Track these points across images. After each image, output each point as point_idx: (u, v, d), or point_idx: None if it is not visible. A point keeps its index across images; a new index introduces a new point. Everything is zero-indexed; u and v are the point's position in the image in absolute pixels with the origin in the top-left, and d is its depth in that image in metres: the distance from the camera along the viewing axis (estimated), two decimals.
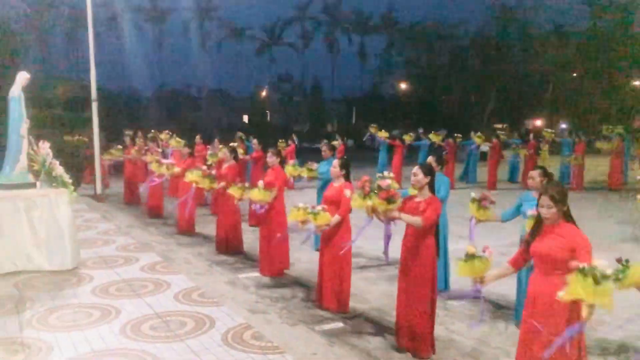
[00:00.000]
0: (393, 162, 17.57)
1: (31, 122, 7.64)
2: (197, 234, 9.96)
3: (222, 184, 8.32)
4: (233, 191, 7.58)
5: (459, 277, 3.90)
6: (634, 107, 32.54)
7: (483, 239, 5.43)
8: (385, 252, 5.25)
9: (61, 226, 6.96)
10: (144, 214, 11.97)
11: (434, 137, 17.62)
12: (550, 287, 3.37)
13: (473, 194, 5.50)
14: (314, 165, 8.41)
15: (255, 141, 12.87)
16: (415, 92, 47.76)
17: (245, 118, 52.46)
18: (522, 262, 3.75)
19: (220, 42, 55.81)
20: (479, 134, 18.20)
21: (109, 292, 6.04)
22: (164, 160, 10.03)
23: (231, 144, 10.05)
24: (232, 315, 5.34)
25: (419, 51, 47.75)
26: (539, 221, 3.56)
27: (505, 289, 5.69)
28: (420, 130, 19.13)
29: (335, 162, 6.05)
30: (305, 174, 8.50)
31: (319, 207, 5.62)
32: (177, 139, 11.99)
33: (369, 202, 4.72)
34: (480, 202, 5.42)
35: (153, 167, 10.00)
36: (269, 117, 54.50)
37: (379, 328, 5.41)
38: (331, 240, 5.72)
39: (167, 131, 14.33)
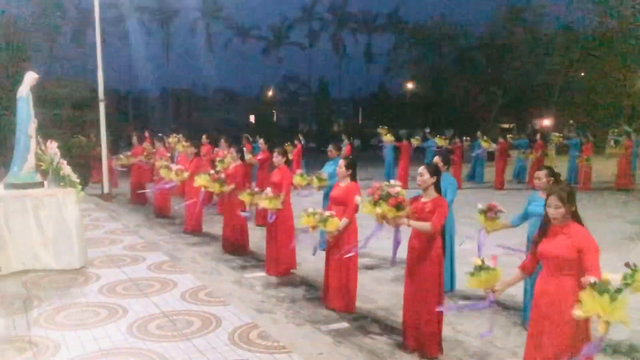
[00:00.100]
0: (400, 162, 17.56)
1: (39, 122, 7.68)
2: (204, 234, 9.98)
3: (232, 186, 8.33)
4: (243, 198, 7.59)
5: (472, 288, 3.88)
6: None
7: (491, 239, 5.44)
8: (393, 259, 5.24)
9: (69, 225, 6.99)
10: (151, 214, 12.00)
11: (440, 141, 17.56)
12: (557, 287, 3.37)
13: (480, 205, 5.47)
14: (324, 175, 8.04)
15: (261, 141, 12.84)
16: (422, 91, 47.61)
17: (252, 118, 52.50)
18: (532, 266, 3.73)
19: (226, 42, 55.90)
20: (485, 138, 18.17)
21: (116, 291, 6.06)
22: (173, 166, 10.00)
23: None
24: (239, 314, 5.34)
25: (426, 51, 47.61)
26: (546, 221, 3.54)
27: (513, 289, 5.63)
28: (427, 130, 19.12)
29: (341, 162, 6.03)
30: (315, 184, 7.99)
31: (327, 213, 5.61)
32: (184, 142, 11.98)
33: (379, 210, 4.71)
34: (487, 214, 5.39)
35: (162, 173, 9.99)
36: (275, 117, 54.53)
37: (385, 328, 5.40)
38: (338, 241, 5.72)
39: (174, 134, 14.36)
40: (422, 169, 4.76)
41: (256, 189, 7.69)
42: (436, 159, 6.38)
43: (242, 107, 52.75)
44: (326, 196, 7.54)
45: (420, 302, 4.68)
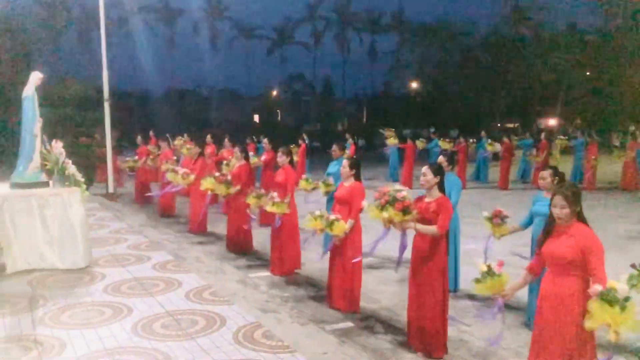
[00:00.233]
0: (404, 162, 17.54)
1: (44, 122, 7.70)
2: (209, 233, 10.01)
3: (238, 187, 8.34)
4: (250, 201, 7.60)
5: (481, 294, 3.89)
6: None
7: (501, 244, 5.43)
8: (398, 263, 5.23)
9: (74, 225, 7.01)
10: (156, 213, 12.03)
11: (444, 145, 17.49)
12: (561, 287, 3.36)
13: (485, 213, 5.46)
14: (330, 180, 7.91)
15: (265, 140, 12.85)
16: (426, 91, 47.58)
17: (256, 117, 52.53)
18: (539, 267, 3.72)
19: (230, 41, 55.93)
20: (489, 141, 18.13)
21: (121, 291, 6.07)
22: (180, 169, 10.02)
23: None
24: (243, 314, 5.35)
25: (430, 50, 47.53)
26: (551, 221, 3.53)
27: None
28: (432, 130, 19.09)
29: (345, 162, 6.04)
30: (322, 189, 7.90)
31: (333, 217, 5.62)
32: (188, 146, 12.00)
33: (385, 214, 4.71)
34: (492, 220, 5.38)
35: (169, 176, 10.01)
36: (279, 117, 54.53)
37: (389, 328, 5.40)
38: (342, 240, 5.72)
39: (180, 137, 14.39)
40: (425, 168, 4.75)
41: (262, 191, 7.69)
42: (440, 158, 6.37)
43: (246, 107, 52.76)
44: (330, 199, 7.54)
45: (424, 302, 4.67)
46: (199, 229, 9.99)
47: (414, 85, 48.33)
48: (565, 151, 18.51)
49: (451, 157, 6.66)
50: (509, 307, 5.94)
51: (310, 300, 6.21)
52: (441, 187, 4.75)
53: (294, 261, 7.38)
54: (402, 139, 18.35)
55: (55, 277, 6.62)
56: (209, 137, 14.41)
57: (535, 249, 3.82)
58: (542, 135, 19.42)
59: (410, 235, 4.86)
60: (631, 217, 11.49)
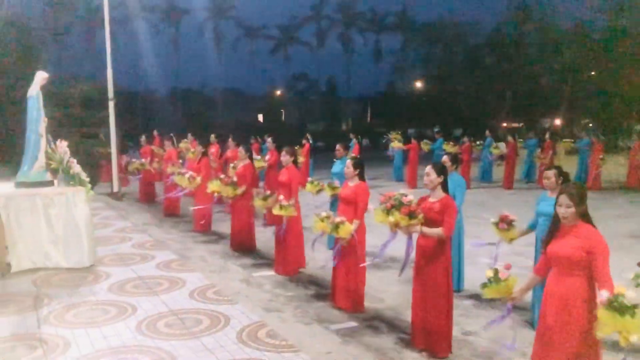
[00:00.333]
0: (408, 162, 17.50)
1: (49, 121, 7.73)
2: (213, 232, 10.02)
3: (244, 187, 8.34)
4: (256, 204, 7.61)
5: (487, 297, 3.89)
6: None
7: (509, 246, 5.41)
8: (404, 266, 5.22)
9: (78, 224, 7.04)
10: (160, 212, 12.06)
11: (449, 148, 17.39)
12: (567, 287, 3.34)
13: (492, 219, 5.44)
14: (336, 182, 7.85)
15: (269, 140, 12.84)
16: (431, 90, 47.52)
17: (260, 117, 52.57)
18: (545, 268, 3.69)
19: (235, 41, 56.02)
20: (494, 144, 18.09)
21: (125, 290, 6.09)
22: (186, 173, 10.01)
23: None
24: (247, 313, 5.36)
25: (435, 50, 47.49)
26: (556, 221, 3.51)
27: None
28: (436, 130, 19.03)
29: (349, 162, 6.02)
30: (328, 192, 7.88)
31: (339, 219, 5.61)
32: (193, 150, 11.99)
33: (391, 218, 4.70)
34: (498, 225, 5.35)
35: (176, 179, 10.01)
36: (283, 116, 54.56)
37: (394, 327, 5.39)
38: (349, 242, 5.71)
39: (185, 139, 14.39)
40: (428, 168, 4.74)
41: (267, 192, 7.69)
42: (444, 158, 6.36)
43: (250, 107, 52.80)
44: (334, 200, 7.54)
45: (428, 301, 4.66)
46: (202, 228, 10.00)
47: (419, 84, 48.28)
48: (570, 151, 18.45)
49: (455, 157, 6.64)
50: (514, 306, 5.94)
51: (314, 300, 6.20)
52: (445, 186, 4.74)
53: (298, 260, 7.37)
54: (406, 139, 18.30)
55: (59, 276, 6.64)
56: (213, 137, 14.41)
57: (540, 249, 3.80)
58: (547, 135, 19.35)
59: (415, 236, 4.84)
60: (636, 217, 11.44)
